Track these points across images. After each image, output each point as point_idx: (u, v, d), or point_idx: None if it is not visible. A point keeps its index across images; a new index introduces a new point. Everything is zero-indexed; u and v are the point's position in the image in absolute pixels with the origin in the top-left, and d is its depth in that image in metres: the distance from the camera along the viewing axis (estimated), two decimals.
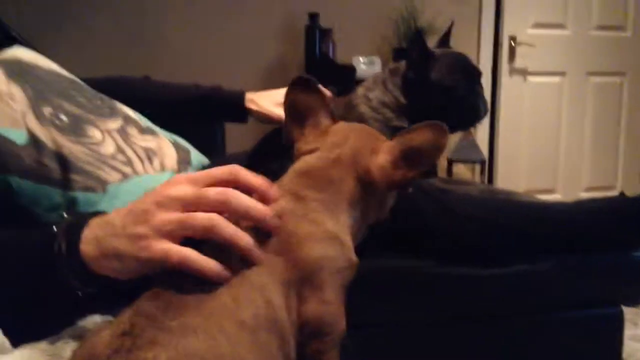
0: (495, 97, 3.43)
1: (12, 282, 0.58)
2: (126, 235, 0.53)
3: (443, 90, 1.15)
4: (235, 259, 0.52)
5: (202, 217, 0.52)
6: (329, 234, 0.58)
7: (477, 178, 3.11)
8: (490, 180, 3.46)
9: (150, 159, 0.96)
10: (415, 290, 1.06)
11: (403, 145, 0.63)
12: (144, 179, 0.92)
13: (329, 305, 0.55)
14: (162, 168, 0.97)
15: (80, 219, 0.57)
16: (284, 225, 0.55)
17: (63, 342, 0.55)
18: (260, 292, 0.51)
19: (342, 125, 0.70)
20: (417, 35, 1.16)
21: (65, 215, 0.59)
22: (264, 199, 0.56)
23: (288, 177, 0.63)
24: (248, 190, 0.56)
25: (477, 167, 3.12)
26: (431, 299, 1.07)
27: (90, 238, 0.54)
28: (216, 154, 1.32)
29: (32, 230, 0.71)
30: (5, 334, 0.55)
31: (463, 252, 1.05)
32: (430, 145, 0.62)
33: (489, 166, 3.39)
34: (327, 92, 1.24)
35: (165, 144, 1.03)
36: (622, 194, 1.08)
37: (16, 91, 0.87)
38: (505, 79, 3.44)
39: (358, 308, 0.78)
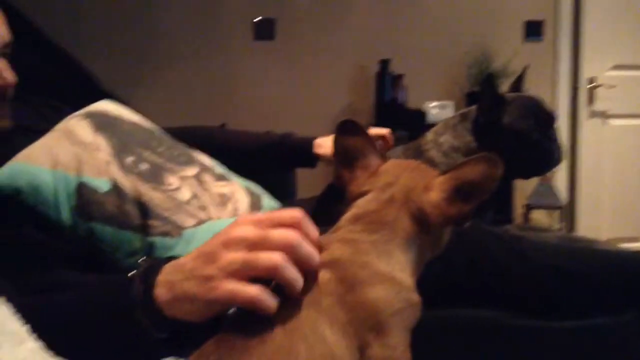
0: (575, 141, 3.32)
1: (91, 326, 0.60)
2: (195, 277, 0.54)
3: (515, 134, 1.12)
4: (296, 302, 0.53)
5: (266, 258, 0.53)
6: (381, 276, 0.57)
7: (557, 225, 2.98)
8: (572, 227, 3.31)
9: (224, 204, 0.99)
10: (489, 342, 1.01)
11: (456, 179, 0.62)
12: (217, 223, 0.94)
13: (393, 350, 0.54)
14: (235, 213, 1.00)
15: (155, 264, 0.59)
16: (336, 272, 0.56)
17: None
18: (320, 338, 0.51)
19: (392, 163, 0.69)
20: (488, 79, 1.15)
21: (140, 260, 0.61)
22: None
23: (342, 223, 0.63)
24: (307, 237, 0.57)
25: (557, 214, 3.00)
26: (505, 351, 1.03)
27: (164, 282, 0.56)
28: (287, 198, 1.34)
29: (110, 276, 0.74)
30: None
31: (538, 302, 1.00)
32: (485, 177, 0.61)
33: (569, 212, 3.25)
34: (382, 131, 1.24)
35: (238, 190, 1.06)
36: None
37: (101, 142, 0.93)
38: (584, 122, 3.33)
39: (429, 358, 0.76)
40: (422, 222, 0.62)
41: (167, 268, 0.57)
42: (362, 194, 0.65)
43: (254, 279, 0.53)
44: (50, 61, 1.27)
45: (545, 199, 2.91)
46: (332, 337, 0.52)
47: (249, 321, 0.52)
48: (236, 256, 0.53)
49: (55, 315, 0.64)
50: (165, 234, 0.89)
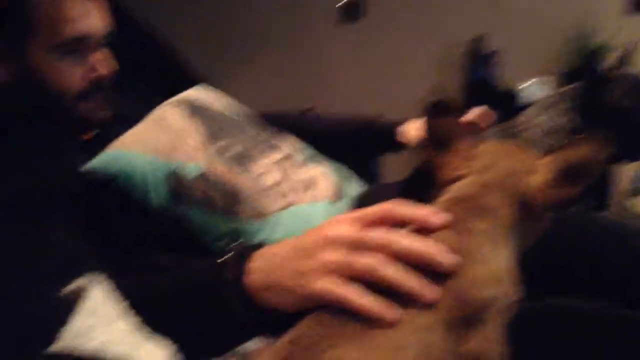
0: None
1: (183, 308, 0.62)
2: (290, 269, 0.55)
3: (619, 114, 1.05)
4: (398, 298, 0.50)
5: (364, 260, 0.52)
6: (498, 273, 0.54)
7: None
8: None
9: (308, 189, 0.99)
10: (585, 333, 0.96)
11: (563, 160, 0.58)
12: (302, 207, 0.95)
13: (491, 344, 0.51)
14: (320, 197, 1.00)
15: (246, 250, 0.60)
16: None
17: None
18: (422, 334, 0.49)
19: (488, 145, 0.65)
20: (591, 56, 1.08)
21: (232, 245, 0.63)
22: (425, 229, 0.55)
23: (442, 208, 0.58)
24: (407, 224, 0.55)
25: None
26: (603, 342, 0.96)
27: (256, 269, 0.57)
28: (372, 182, 1.33)
29: (203, 259, 0.76)
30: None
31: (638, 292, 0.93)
32: (594, 157, 0.56)
33: None
34: (479, 112, 1.19)
35: (323, 174, 1.05)
36: None
37: (192, 128, 0.96)
38: None
39: (534, 353, 0.72)
40: (525, 207, 0.58)
41: (259, 255, 0.58)
42: (457, 179, 0.61)
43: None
44: (146, 48, 1.32)
45: None
46: (438, 337, 0.49)
47: (344, 309, 0.51)
48: (333, 255, 0.53)
49: (150, 295, 0.66)
50: (251, 218, 0.90)
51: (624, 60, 1.16)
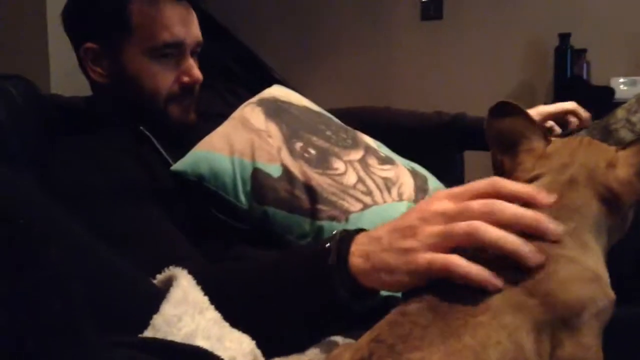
0: None
1: (283, 292, 0.64)
2: (394, 249, 0.55)
3: None
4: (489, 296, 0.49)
5: (464, 224, 0.52)
6: (590, 273, 0.51)
7: None
8: None
9: (388, 188, 0.98)
10: None
11: None
12: (382, 208, 0.94)
13: (587, 350, 0.49)
14: (400, 197, 0.99)
15: (348, 234, 0.61)
16: (548, 249, 0.51)
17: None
18: (510, 334, 0.47)
19: (560, 143, 0.63)
20: None
21: (334, 232, 0.64)
22: (531, 205, 0.53)
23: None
24: (512, 200, 0.54)
25: None
26: None
27: (360, 252, 0.58)
28: (454, 182, 1.30)
29: (306, 245, 0.79)
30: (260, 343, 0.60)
31: None
32: None
33: None
34: (586, 114, 1.14)
35: (403, 173, 1.04)
36: None
37: (273, 129, 0.98)
38: None
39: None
40: (611, 203, 0.56)
41: (361, 238, 0.59)
42: (533, 179, 0.59)
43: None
44: (228, 51, 1.37)
45: None
46: (527, 339, 0.47)
47: (429, 307, 0.50)
48: (435, 229, 0.54)
49: (249, 280, 0.69)
50: (332, 218, 0.91)
51: None
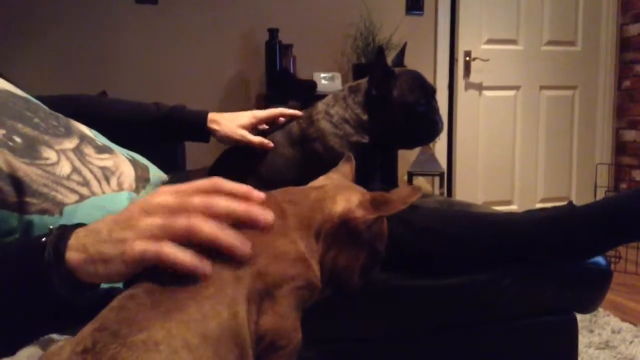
0: (452, 112, 3.51)
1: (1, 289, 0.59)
2: (112, 240, 0.55)
3: (404, 107, 1.16)
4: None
5: (184, 220, 0.54)
6: (296, 255, 0.60)
7: (437, 190, 3.16)
8: (450, 192, 3.52)
9: (107, 179, 0.94)
10: (377, 302, 1.07)
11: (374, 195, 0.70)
12: (101, 199, 0.90)
13: (285, 320, 0.57)
14: (120, 187, 0.96)
15: (66, 229, 0.59)
16: (261, 236, 0.57)
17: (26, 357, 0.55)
18: (228, 304, 0.51)
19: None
20: (378, 54, 1.18)
21: (51, 227, 0.60)
22: (248, 200, 0.58)
23: (275, 192, 0.67)
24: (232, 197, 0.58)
25: (437, 180, 3.18)
26: (392, 311, 1.08)
27: (77, 245, 0.56)
28: (176, 170, 1.31)
29: (20, 242, 0.73)
30: None
31: (420, 263, 1.06)
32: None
33: (448, 179, 3.46)
34: (295, 112, 1.25)
35: (122, 162, 1.01)
36: (570, 203, 1.10)
37: None
38: (461, 93, 3.53)
39: (323, 322, 0.78)
40: (344, 226, 0.68)
41: (81, 232, 0.58)
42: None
43: None
44: None
45: (426, 167, 3.07)
46: (241, 308, 0.52)
47: (155, 289, 0.51)
48: (154, 221, 0.54)
49: None
50: (43, 211, 0.83)
51: (401, 57, 1.30)
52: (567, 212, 1.08)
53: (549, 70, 3.65)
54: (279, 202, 0.64)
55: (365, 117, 1.18)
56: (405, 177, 3.06)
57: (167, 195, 0.57)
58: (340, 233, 0.67)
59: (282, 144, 1.20)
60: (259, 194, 0.60)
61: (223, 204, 0.56)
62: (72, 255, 0.56)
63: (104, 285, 0.61)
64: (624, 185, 3.68)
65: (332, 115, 1.20)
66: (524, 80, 3.62)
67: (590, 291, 1.19)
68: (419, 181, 3.07)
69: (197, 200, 0.56)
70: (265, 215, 0.57)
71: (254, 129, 1.24)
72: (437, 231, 1.06)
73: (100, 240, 0.55)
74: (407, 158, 3.11)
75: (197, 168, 1.34)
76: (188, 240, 0.54)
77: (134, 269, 0.54)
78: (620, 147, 3.74)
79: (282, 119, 1.26)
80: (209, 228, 0.54)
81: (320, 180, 0.80)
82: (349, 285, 0.72)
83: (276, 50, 2.93)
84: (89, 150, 0.97)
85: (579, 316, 1.24)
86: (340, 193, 0.69)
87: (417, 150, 3.04)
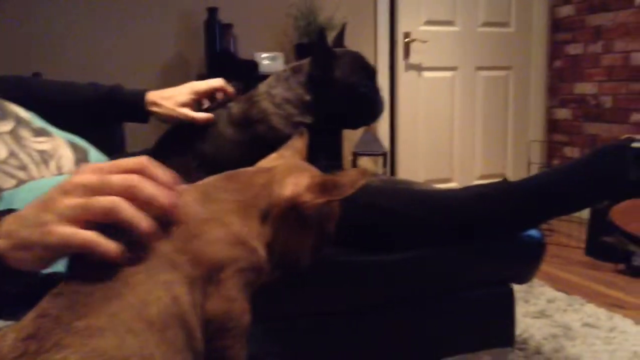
0: (394, 92, 3.56)
1: None
2: (32, 224, 0.53)
3: (347, 87, 1.18)
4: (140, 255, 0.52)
5: (104, 200, 0.52)
6: (234, 238, 0.60)
7: (380, 170, 3.22)
8: (393, 171, 3.59)
9: (45, 162, 0.92)
10: (326, 278, 1.09)
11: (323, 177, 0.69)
12: (40, 183, 0.88)
13: (232, 302, 0.57)
14: (60, 170, 0.93)
15: None
16: (190, 223, 0.57)
17: None
18: (167, 289, 0.51)
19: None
20: (320, 35, 1.18)
21: None
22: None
23: (212, 178, 0.66)
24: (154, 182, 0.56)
25: (380, 160, 3.23)
26: (341, 286, 1.11)
27: (3, 233, 0.54)
28: (116, 152, 1.28)
29: None
30: None
31: (365, 240, 1.09)
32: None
33: (390, 158, 3.52)
34: (231, 89, 1.24)
35: (61, 145, 0.98)
36: (504, 179, 1.15)
37: None
38: (401, 74, 3.58)
39: (273, 300, 0.79)
40: (290, 209, 0.67)
41: (9, 219, 0.55)
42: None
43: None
44: None
45: (370, 147, 3.12)
46: (182, 292, 0.53)
47: (91, 277, 0.50)
48: (73, 201, 0.53)
49: None
50: None
51: (341, 39, 1.30)
52: (503, 188, 1.13)
53: (484, 51, 3.76)
54: (206, 189, 0.63)
55: (307, 97, 1.19)
56: (351, 158, 3.10)
57: (89, 173, 0.55)
58: (288, 216, 0.67)
59: (224, 122, 1.19)
60: (179, 189, 0.58)
61: (147, 188, 0.54)
62: (0, 243, 0.54)
63: (46, 271, 0.60)
64: (556, 162, 3.85)
65: (274, 95, 1.20)
66: (460, 61, 3.71)
67: (526, 263, 1.25)
68: (364, 161, 3.11)
69: (118, 179, 0.54)
70: (167, 197, 0.55)
71: (195, 104, 1.22)
72: (382, 207, 1.09)
73: (23, 225, 0.53)
74: (351, 138, 3.14)
75: (137, 150, 1.31)
76: (107, 220, 0.52)
77: (59, 255, 0.53)
78: (552, 125, 3.90)
79: (220, 94, 1.24)
80: (131, 213, 0.52)
81: (272, 159, 0.79)
82: (299, 265, 0.72)
83: (216, 30, 2.88)
84: (25, 134, 0.94)
85: (515, 287, 1.30)
86: (289, 175, 0.68)
87: (360, 130, 3.08)
